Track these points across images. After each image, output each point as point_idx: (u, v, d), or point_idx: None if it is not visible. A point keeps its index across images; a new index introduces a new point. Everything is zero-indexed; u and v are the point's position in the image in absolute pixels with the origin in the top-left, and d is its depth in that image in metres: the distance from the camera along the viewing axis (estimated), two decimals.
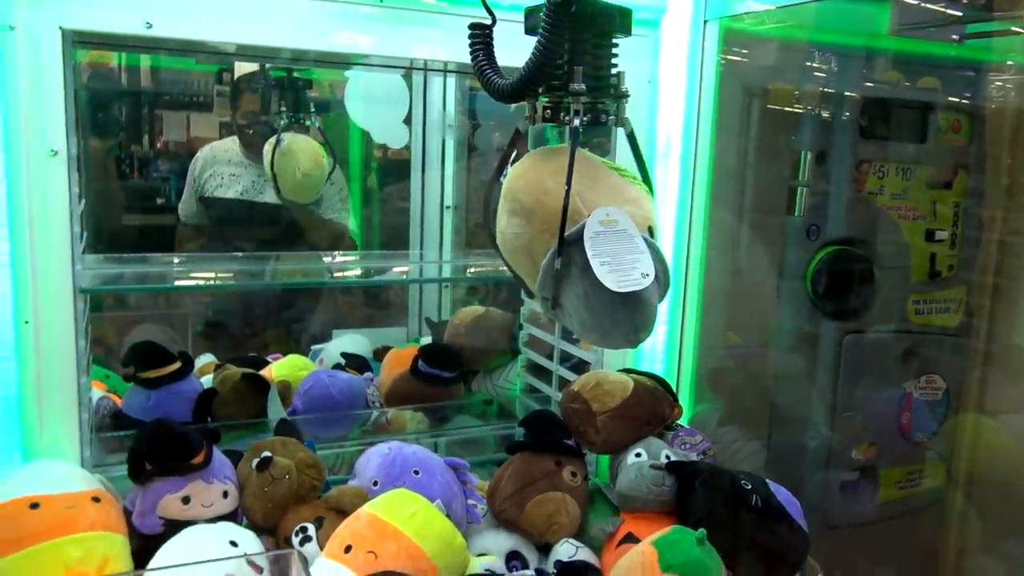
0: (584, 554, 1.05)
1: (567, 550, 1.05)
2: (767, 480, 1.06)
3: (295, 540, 0.98)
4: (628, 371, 1.23)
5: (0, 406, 0.98)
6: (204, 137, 2.37)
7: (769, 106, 1.38)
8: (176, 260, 1.47)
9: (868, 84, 1.49)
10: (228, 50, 1.05)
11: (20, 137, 0.94)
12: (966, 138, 1.53)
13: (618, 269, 0.82)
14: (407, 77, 1.81)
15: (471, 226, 2.00)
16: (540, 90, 0.88)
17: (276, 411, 1.35)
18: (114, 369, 1.43)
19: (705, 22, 1.24)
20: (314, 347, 1.74)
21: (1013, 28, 1.46)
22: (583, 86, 0.85)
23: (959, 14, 1.44)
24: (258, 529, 0.99)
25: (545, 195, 0.87)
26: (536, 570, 0.97)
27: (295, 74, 1.69)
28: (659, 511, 1.06)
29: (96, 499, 0.92)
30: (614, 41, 0.90)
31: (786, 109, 1.40)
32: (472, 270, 1.72)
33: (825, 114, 1.40)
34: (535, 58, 0.80)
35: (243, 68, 1.98)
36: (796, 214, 1.39)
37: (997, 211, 1.51)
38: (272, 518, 1.01)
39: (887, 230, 1.41)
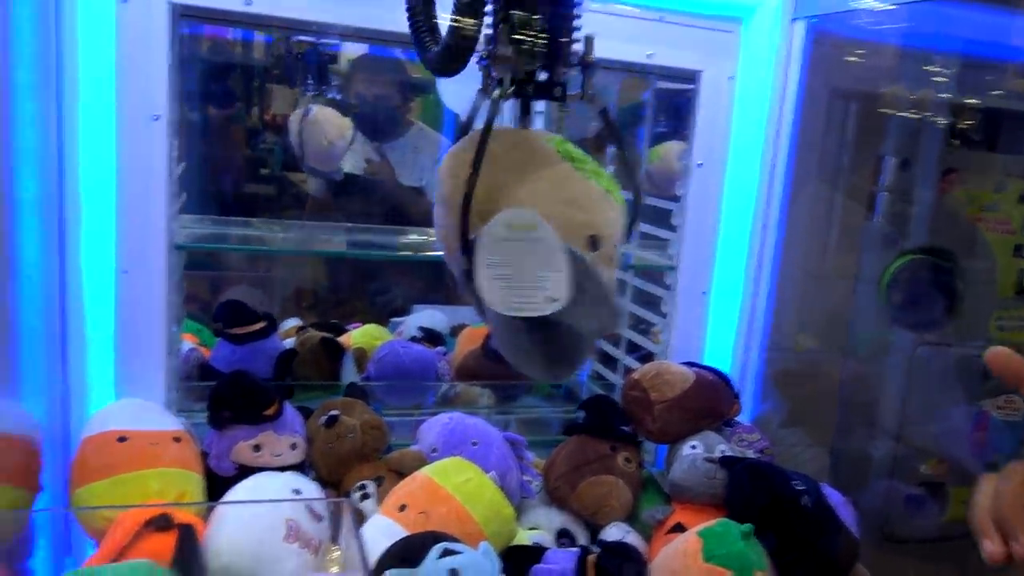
0: (632, 538, 1.07)
1: (616, 532, 1.07)
2: (822, 484, 1.05)
3: (355, 495, 1.03)
4: (691, 364, 1.24)
5: (99, 347, 1.06)
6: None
7: (854, 108, 1.36)
8: (273, 226, 1.55)
9: (971, 92, 1.44)
10: (326, 30, 1.10)
11: (127, 102, 1.01)
12: None
13: (517, 287, 0.68)
14: None
15: None
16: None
17: (349, 375, 1.42)
18: (207, 325, 1.52)
19: (793, 20, 1.23)
20: (393, 319, 1.80)
21: None
22: (509, 50, 0.72)
23: None
24: (322, 482, 1.05)
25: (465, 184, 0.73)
26: (581, 547, 0.99)
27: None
28: (710, 504, 1.07)
29: (177, 439, 0.99)
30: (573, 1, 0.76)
31: (871, 112, 1.37)
32: None
33: (913, 119, 1.37)
34: (451, 21, 0.69)
35: (356, 50, 2.05)
36: (876, 220, 1.36)
37: None
38: (335, 473, 1.07)
39: (972, 242, 1.37)
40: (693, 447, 1.11)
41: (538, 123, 1.02)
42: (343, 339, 1.55)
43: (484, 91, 0.76)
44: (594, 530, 1.11)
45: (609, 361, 1.54)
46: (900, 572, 1.39)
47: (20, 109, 0.90)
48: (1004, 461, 0.57)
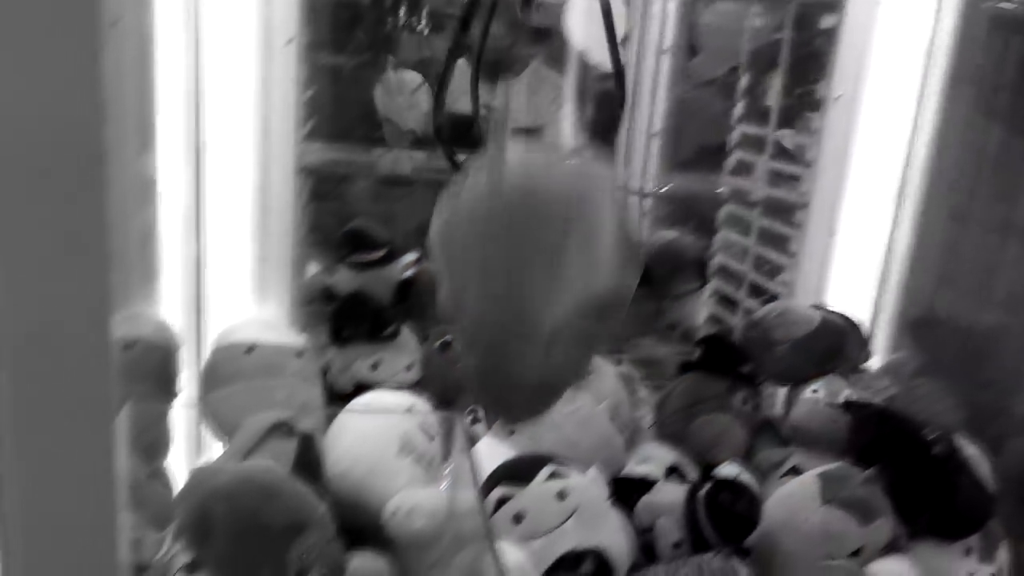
0: (745, 479, 1.04)
1: (729, 471, 1.04)
2: (957, 435, 0.99)
3: (466, 419, 1.05)
4: (819, 307, 1.19)
5: (231, 264, 1.11)
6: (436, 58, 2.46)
7: (1018, 38, 1.23)
8: (400, 157, 1.57)
9: None
10: None
11: (263, 24, 1.04)
12: None
13: None
14: None
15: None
16: None
17: None
18: (330, 252, 1.56)
19: None
20: None
21: None
22: None
23: None
24: (435, 405, 1.07)
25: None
26: (692, 483, 0.97)
27: None
28: (829, 449, 1.02)
29: (300, 354, 1.03)
30: None
31: None
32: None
33: None
34: None
35: None
36: None
37: None
38: (448, 397, 1.08)
39: None
40: (815, 391, 1.07)
41: None
42: None
43: None
44: (705, 469, 1.08)
45: (729, 303, 1.50)
46: None
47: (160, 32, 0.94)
48: None
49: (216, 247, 1.09)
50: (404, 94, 1.73)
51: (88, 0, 0.39)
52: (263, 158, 1.08)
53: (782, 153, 1.32)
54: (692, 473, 1.07)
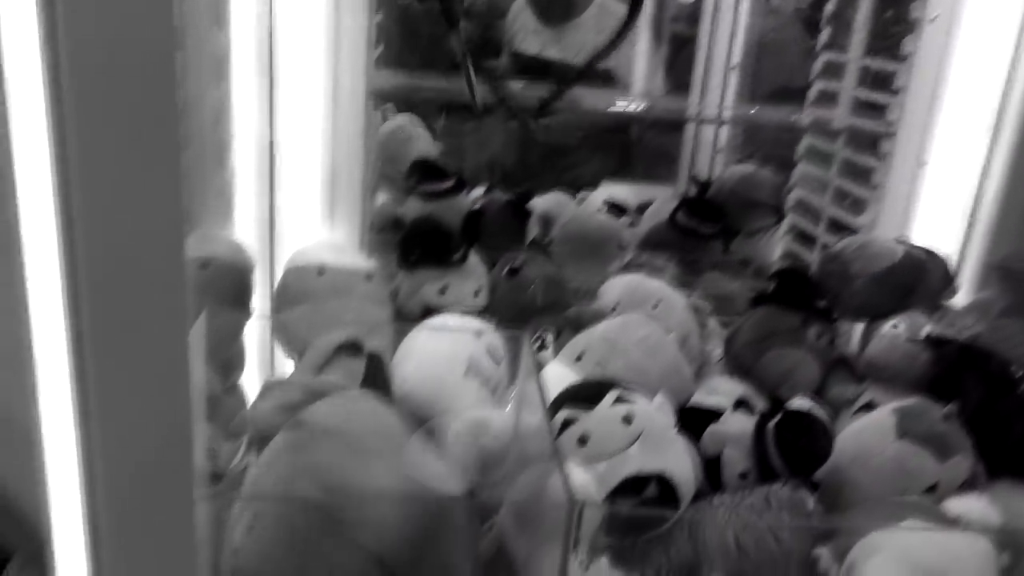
0: (817, 412, 1.01)
1: (800, 405, 1.02)
2: None
3: (533, 344, 1.04)
4: (902, 242, 1.14)
5: (304, 188, 1.12)
6: None
7: None
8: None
9: None
10: None
11: None
12: None
13: None
14: None
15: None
16: None
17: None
18: (400, 182, 1.57)
19: None
20: (581, 193, 1.78)
21: None
22: None
23: None
24: (501, 330, 1.07)
25: None
26: (761, 413, 0.95)
27: None
28: (907, 387, 0.98)
29: (369, 277, 1.04)
30: None
31: None
32: None
33: None
34: None
35: None
36: None
37: None
38: (514, 323, 1.08)
39: None
40: (895, 326, 1.03)
41: None
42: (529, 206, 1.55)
43: None
44: (775, 402, 1.06)
45: (806, 240, 1.45)
46: None
47: None
48: None
49: (288, 172, 1.11)
50: None
51: None
52: (334, 83, 1.08)
53: (868, 80, 1.25)
54: (761, 407, 1.05)
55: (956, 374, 0.93)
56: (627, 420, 0.81)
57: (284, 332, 0.98)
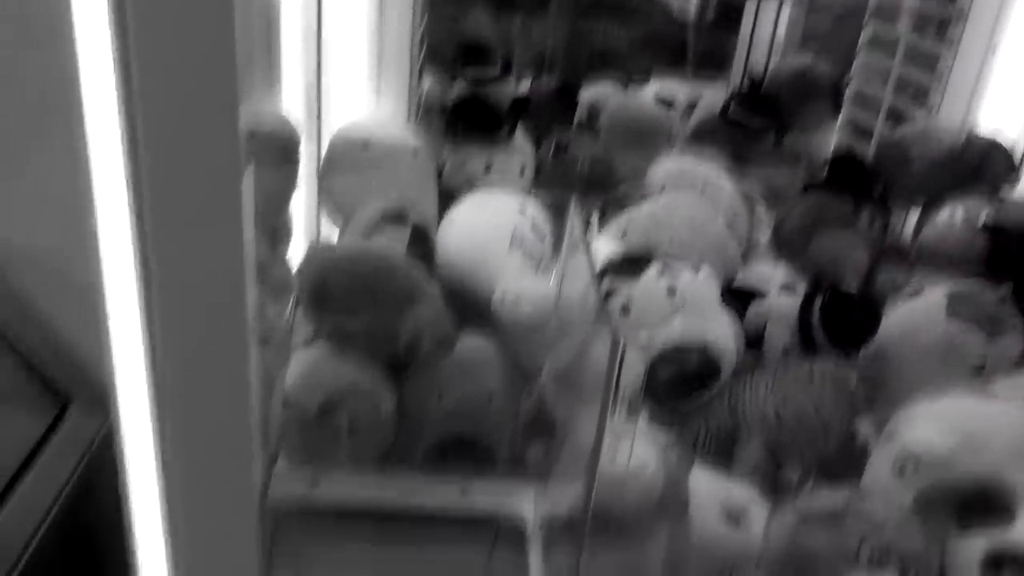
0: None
1: (848, 287, 1.01)
2: None
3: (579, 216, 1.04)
4: (964, 128, 1.09)
5: (353, 64, 1.11)
6: None
7: None
8: None
9: None
10: None
11: None
12: None
13: None
14: None
15: None
16: None
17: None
18: (447, 65, 1.54)
19: None
20: (630, 87, 1.74)
21: None
22: None
23: None
24: (546, 206, 1.06)
25: None
26: (807, 292, 0.94)
27: None
28: (960, 272, 0.96)
29: (415, 153, 1.04)
30: None
31: None
32: None
33: None
34: None
35: None
36: None
37: None
38: (559, 200, 1.07)
39: None
40: (952, 213, 1.00)
41: None
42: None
43: None
44: (821, 284, 1.04)
45: (862, 134, 1.40)
46: None
47: None
48: None
49: (336, 47, 1.09)
50: None
51: None
52: None
53: None
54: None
55: (1012, 260, 0.91)
56: (671, 291, 0.81)
57: (330, 198, 0.99)
